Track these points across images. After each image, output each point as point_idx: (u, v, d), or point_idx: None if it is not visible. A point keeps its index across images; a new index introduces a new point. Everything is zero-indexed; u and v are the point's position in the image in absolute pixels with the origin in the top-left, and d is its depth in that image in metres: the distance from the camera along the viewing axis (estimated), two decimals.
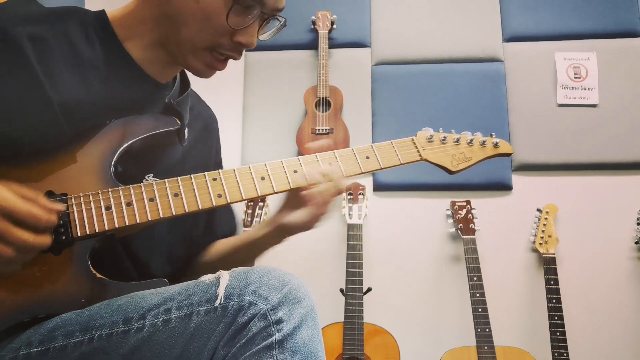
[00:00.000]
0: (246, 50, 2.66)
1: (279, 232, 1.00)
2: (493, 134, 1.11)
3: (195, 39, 0.89)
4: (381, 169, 1.01)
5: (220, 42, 0.90)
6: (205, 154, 1.13)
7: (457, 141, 1.07)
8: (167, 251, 1.04)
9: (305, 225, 0.97)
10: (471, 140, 1.08)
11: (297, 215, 0.96)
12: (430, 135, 1.06)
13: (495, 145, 1.09)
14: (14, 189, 0.75)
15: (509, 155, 1.11)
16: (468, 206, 2.35)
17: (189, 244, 1.10)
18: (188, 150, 1.04)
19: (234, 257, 1.09)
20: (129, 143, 0.88)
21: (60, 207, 0.79)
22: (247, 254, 1.08)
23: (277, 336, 0.70)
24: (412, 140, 1.05)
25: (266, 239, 1.02)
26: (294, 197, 0.98)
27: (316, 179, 0.94)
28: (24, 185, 0.77)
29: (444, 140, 1.06)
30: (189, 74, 1.08)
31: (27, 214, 0.74)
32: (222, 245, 1.14)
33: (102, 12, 0.95)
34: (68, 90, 0.86)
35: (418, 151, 1.04)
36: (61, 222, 0.79)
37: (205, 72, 0.94)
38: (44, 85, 0.83)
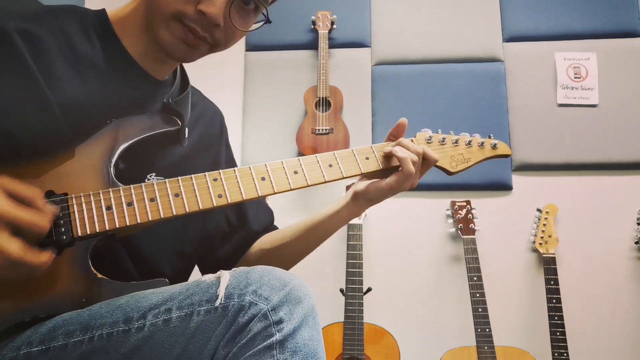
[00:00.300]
0: (246, 50, 2.70)
1: (365, 201, 1.05)
2: (491, 135, 1.12)
3: (162, 5, 0.86)
4: (381, 169, 1.02)
5: (185, 10, 0.85)
6: (212, 152, 1.12)
7: (455, 142, 1.08)
8: (173, 250, 1.03)
9: (395, 191, 1.01)
10: (470, 141, 1.08)
11: (387, 181, 1.00)
12: (429, 137, 1.07)
13: (494, 147, 1.09)
14: (11, 187, 0.72)
15: (507, 156, 1.11)
16: (468, 206, 2.35)
17: (201, 242, 1.09)
18: (191, 149, 1.04)
19: (306, 239, 1.11)
20: (129, 142, 0.88)
21: (55, 210, 0.77)
22: (322, 233, 1.10)
23: (277, 336, 0.70)
24: (412, 141, 1.05)
25: (348, 210, 1.07)
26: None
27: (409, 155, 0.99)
28: (21, 182, 0.74)
29: (442, 141, 1.07)
30: (189, 74, 1.08)
31: (29, 224, 0.71)
32: (281, 234, 1.15)
33: (103, 11, 0.94)
34: (67, 89, 0.85)
35: None
36: (62, 221, 0.79)
37: (179, 48, 0.89)
38: (41, 84, 0.82)
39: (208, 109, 1.14)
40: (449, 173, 1.07)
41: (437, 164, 1.05)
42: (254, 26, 0.94)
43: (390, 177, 1.00)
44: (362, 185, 1.04)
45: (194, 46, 0.89)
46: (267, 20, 0.93)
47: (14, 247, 0.69)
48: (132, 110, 0.92)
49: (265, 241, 1.15)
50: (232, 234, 1.14)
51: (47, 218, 0.74)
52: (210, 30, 0.88)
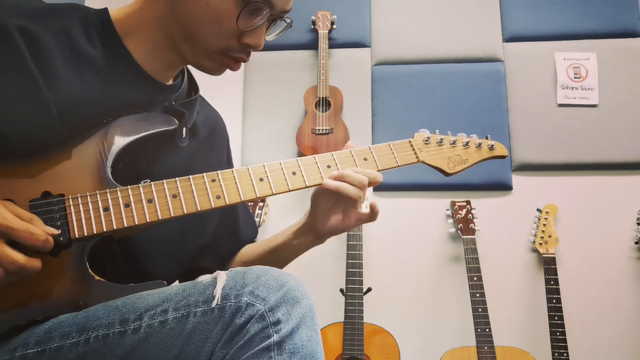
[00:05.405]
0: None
1: (320, 236, 1.04)
2: (488, 136, 1.12)
3: (207, 43, 0.89)
4: (379, 170, 1.02)
5: (230, 45, 0.89)
6: (215, 159, 1.12)
7: (453, 143, 1.08)
8: (169, 255, 1.02)
9: (347, 226, 1.02)
10: (467, 142, 1.09)
11: (336, 218, 1.01)
12: (427, 137, 1.07)
13: (491, 148, 1.10)
14: (10, 208, 0.73)
15: (504, 157, 1.12)
16: (468, 206, 2.35)
17: (197, 251, 1.08)
18: (194, 155, 1.03)
19: (270, 260, 1.09)
20: (126, 142, 0.87)
21: (55, 231, 0.77)
22: (286, 257, 1.09)
23: (275, 337, 0.70)
24: (410, 142, 1.05)
25: (306, 244, 1.06)
26: (326, 200, 1.00)
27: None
28: (19, 203, 0.76)
29: (440, 142, 1.07)
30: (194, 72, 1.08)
31: (25, 232, 0.72)
32: (251, 251, 1.14)
33: (105, 10, 0.93)
34: (66, 89, 0.84)
35: (415, 153, 1.04)
36: (58, 223, 0.79)
37: (218, 70, 0.95)
38: (40, 83, 0.81)
39: (210, 116, 1.14)
40: (446, 174, 1.07)
41: (435, 165, 1.05)
42: (276, 34, 0.98)
43: (347, 218, 1.02)
44: (329, 223, 1.02)
45: (235, 68, 0.95)
46: (290, 24, 0.97)
47: (18, 256, 0.72)
48: (132, 112, 0.91)
49: (240, 258, 1.15)
50: (221, 244, 1.13)
51: (46, 234, 0.75)
52: (249, 54, 0.94)
